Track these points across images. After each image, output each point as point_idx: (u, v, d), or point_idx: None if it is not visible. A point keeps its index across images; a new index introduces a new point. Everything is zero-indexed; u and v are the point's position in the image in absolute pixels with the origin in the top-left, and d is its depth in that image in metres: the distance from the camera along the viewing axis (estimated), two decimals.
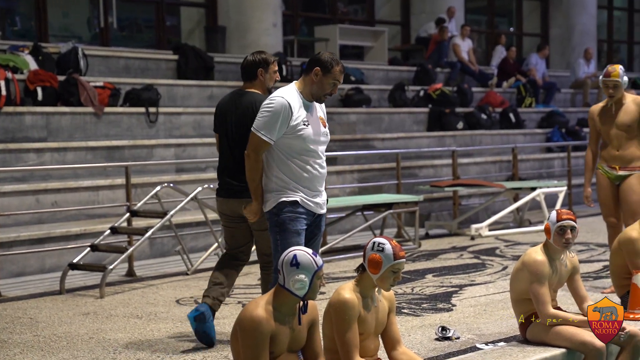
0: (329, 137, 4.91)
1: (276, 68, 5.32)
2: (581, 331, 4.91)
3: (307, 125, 4.72)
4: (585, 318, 5.00)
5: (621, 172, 6.74)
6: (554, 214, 5.04)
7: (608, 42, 22.49)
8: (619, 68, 6.70)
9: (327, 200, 4.98)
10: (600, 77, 6.73)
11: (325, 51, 4.95)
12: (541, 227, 9.68)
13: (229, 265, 5.48)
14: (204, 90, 12.24)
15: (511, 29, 20.68)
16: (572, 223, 4.98)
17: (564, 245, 4.98)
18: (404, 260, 4.16)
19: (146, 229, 7.75)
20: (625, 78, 6.71)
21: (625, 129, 6.71)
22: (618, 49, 23.21)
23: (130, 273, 7.97)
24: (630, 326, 5.09)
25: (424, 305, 6.44)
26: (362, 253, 4.21)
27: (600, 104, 6.92)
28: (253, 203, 4.85)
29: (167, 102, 11.63)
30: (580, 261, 5.78)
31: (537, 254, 4.99)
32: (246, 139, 4.91)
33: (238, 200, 5.12)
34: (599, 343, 4.84)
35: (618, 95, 6.71)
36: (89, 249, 7.56)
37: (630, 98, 6.78)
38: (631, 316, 5.61)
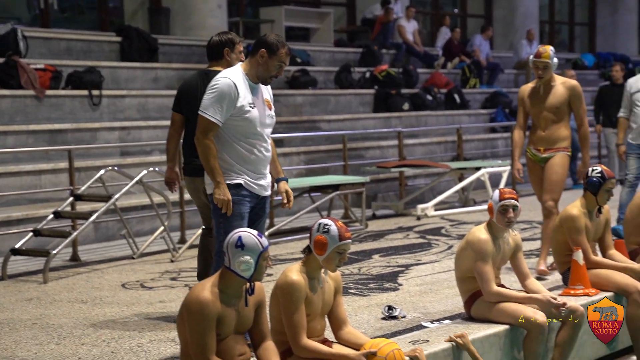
0: (274, 119, 4.89)
1: (242, 48, 5.37)
2: (524, 307, 5.00)
3: (253, 108, 4.70)
4: (528, 294, 5.09)
5: (546, 154, 6.66)
6: (496, 193, 5.11)
7: (550, 23, 22.81)
8: (550, 49, 6.57)
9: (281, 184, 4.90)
10: (531, 57, 6.62)
11: (271, 33, 4.92)
12: (485, 207, 9.81)
13: (209, 241, 5.39)
14: (148, 72, 12.09)
15: (455, 11, 20.83)
16: (514, 202, 5.06)
17: (506, 224, 5.05)
18: (350, 241, 4.18)
19: (90, 213, 7.65)
20: (555, 60, 6.58)
21: (553, 111, 6.62)
22: (560, 30, 23.57)
23: (75, 258, 7.87)
24: (570, 302, 5.20)
25: (371, 285, 6.49)
26: (308, 235, 4.21)
27: (530, 85, 6.82)
28: (217, 187, 4.62)
29: (110, 84, 11.46)
30: (523, 239, 5.88)
31: (480, 233, 5.06)
32: None
33: (203, 178, 5.04)
34: (541, 319, 4.93)
35: (547, 76, 6.59)
36: (31, 234, 7.44)
37: (560, 80, 6.69)
38: (572, 292, 5.73)
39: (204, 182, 4.94)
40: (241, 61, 5.25)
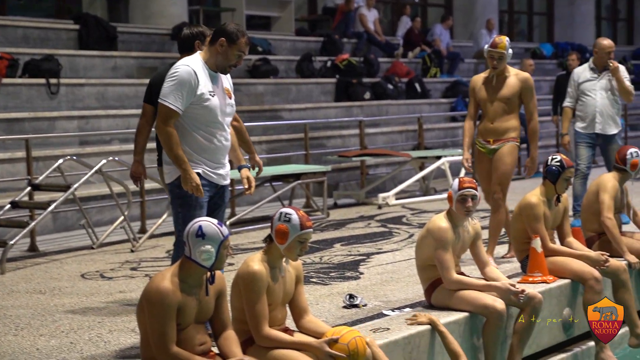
0: (234, 108, 4.87)
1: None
2: (483, 295, 5.05)
3: (212, 96, 4.67)
4: (487, 282, 5.15)
5: (495, 146, 6.55)
6: (456, 182, 5.15)
7: (509, 13, 22.99)
8: (506, 40, 6.50)
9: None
10: (486, 47, 6.55)
11: (231, 22, 4.89)
12: (446, 195, 9.88)
13: None
14: (107, 60, 11.96)
15: (416, 0, 20.90)
16: (473, 192, 5.10)
17: (465, 212, 5.10)
18: (311, 230, 4.18)
19: (49, 203, 7.56)
20: (510, 51, 6.51)
21: (504, 102, 6.52)
22: (519, 20, 23.77)
23: (33, 248, 7.78)
24: (529, 289, 5.26)
25: (332, 274, 6.51)
26: (270, 224, 4.21)
27: (482, 75, 6.72)
28: (181, 172, 4.57)
29: (68, 73, 11.31)
30: (483, 227, 5.93)
31: (440, 221, 5.10)
32: None
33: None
34: (500, 306, 4.99)
35: (501, 67, 6.52)
36: None
37: (513, 72, 6.57)
38: (530, 279, 5.80)
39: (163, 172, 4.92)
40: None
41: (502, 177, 6.56)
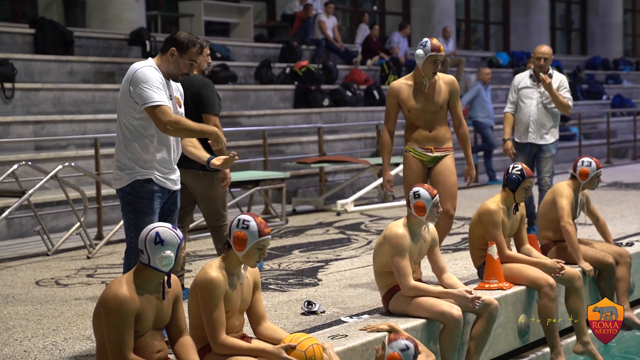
0: (183, 116, 4.83)
1: (208, 52, 5.86)
2: (440, 302, 5.08)
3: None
4: (444, 289, 5.18)
5: (437, 154, 6.18)
6: (425, 191, 5.17)
7: (466, 22, 23.26)
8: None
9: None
10: (423, 52, 6.01)
11: (184, 31, 4.89)
12: (404, 202, 9.93)
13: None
14: (63, 65, 11.83)
15: (374, 8, 21.03)
16: (438, 198, 5.22)
17: (434, 219, 5.23)
18: (269, 236, 4.18)
19: (3, 209, 7.44)
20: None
21: (437, 109, 6.14)
22: (475, 29, 24.06)
23: None
24: (485, 295, 5.32)
25: (291, 280, 6.51)
26: (228, 231, 4.20)
27: (403, 81, 6.24)
28: (209, 135, 4.67)
29: (24, 77, 11.16)
30: None
31: (398, 228, 5.13)
32: (190, 116, 5.27)
33: (183, 169, 5.32)
34: (456, 313, 5.03)
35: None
36: None
37: (440, 76, 6.20)
38: (486, 286, 5.85)
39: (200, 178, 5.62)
40: (208, 64, 5.82)
41: (453, 190, 6.18)
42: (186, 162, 5.42)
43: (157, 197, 4.65)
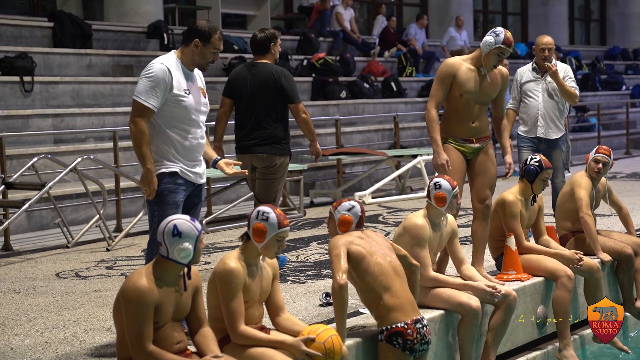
0: (209, 107, 4.88)
1: (280, 41, 6.28)
2: (458, 293, 5.08)
3: (188, 94, 4.68)
4: (463, 281, 5.18)
5: (478, 144, 5.82)
6: (446, 183, 5.15)
7: (484, 13, 23.14)
8: None
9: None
10: (496, 43, 5.59)
11: (201, 19, 4.91)
12: (422, 194, 9.91)
13: None
14: (82, 58, 11.89)
15: None
16: (458, 189, 5.23)
17: (456, 209, 5.24)
18: (288, 228, 4.19)
19: (23, 202, 7.50)
20: None
21: (488, 100, 5.83)
22: (493, 20, 23.92)
23: (7, 247, 7.72)
24: (504, 287, 5.31)
25: (309, 272, 6.53)
26: (247, 222, 4.22)
27: (462, 61, 5.74)
28: (143, 171, 4.62)
29: (43, 71, 11.23)
30: (459, 225, 5.96)
31: (417, 219, 5.12)
32: (266, 104, 6.12)
33: (249, 155, 6.21)
34: (475, 304, 5.03)
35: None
36: None
37: (498, 68, 5.82)
38: (505, 277, 5.84)
39: (251, 159, 6.12)
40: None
41: (493, 180, 5.88)
42: (252, 148, 6.20)
43: (181, 190, 4.68)
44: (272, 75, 6.18)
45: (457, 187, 5.20)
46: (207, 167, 5.02)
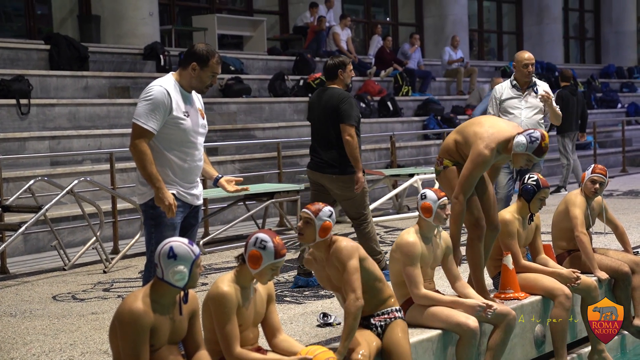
0: (207, 128, 4.90)
1: (351, 67, 6.69)
2: (456, 313, 5.06)
3: (187, 117, 4.70)
4: (455, 299, 5.15)
5: None
6: (431, 193, 5.12)
7: (479, 32, 23.26)
8: None
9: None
10: (531, 152, 5.38)
11: (200, 42, 4.93)
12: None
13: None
14: (78, 81, 11.92)
15: (387, 19, 21.07)
16: (447, 200, 5.15)
17: (443, 221, 5.11)
18: (284, 257, 4.17)
19: (20, 224, 7.49)
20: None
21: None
22: (489, 39, 24.05)
23: (3, 270, 7.70)
24: (501, 305, 5.30)
25: (306, 292, 6.51)
26: (244, 244, 4.20)
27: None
28: (157, 192, 4.60)
29: (39, 93, 11.26)
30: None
31: (409, 236, 5.07)
32: (329, 125, 6.49)
33: (320, 173, 6.61)
34: (473, 324, 5.00)
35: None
36: None
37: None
38: (502, 296, 5.83)
39: (322, 177, 6.51)
40: (352, 77, 6.66)
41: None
42: (321, 167, 6.56)
43: (179, 212, 4.69)
44: (335, 98, 6.53)
45: (445, 197, 5.13)
46: (207, 186, 5.03)
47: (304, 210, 4.64)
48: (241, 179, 5.23)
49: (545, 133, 5.43)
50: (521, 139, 5.36)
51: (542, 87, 7.60)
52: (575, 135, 12.96)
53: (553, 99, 7.58)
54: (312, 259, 4.73)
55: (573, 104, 12.79)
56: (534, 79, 7.58)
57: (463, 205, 5.42)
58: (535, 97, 7.52)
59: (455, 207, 5.42)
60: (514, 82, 7.57)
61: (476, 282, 5.61)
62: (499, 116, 7.50)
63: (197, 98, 4.85)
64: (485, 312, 5.06)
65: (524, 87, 7.53)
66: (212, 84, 4.79)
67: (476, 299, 5.17)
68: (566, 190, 8.99)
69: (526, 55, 7.50)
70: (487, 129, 5.43)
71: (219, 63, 4.77)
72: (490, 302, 5.15)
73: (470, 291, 5.26)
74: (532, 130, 5.39)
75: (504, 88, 7.63)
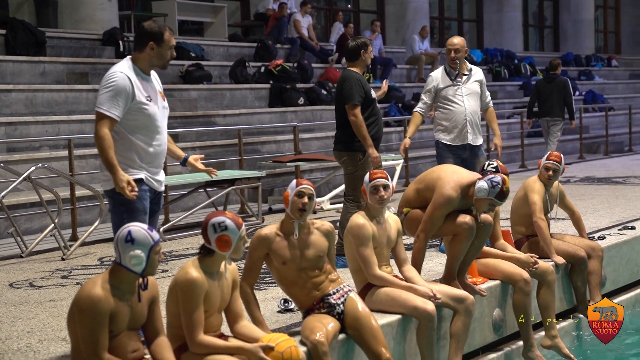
0: (168, 110, 4.88)
1: (371, 48, 6.87)
2: (413, 297, 5.06)
3: (149, 101, 4.67)
4: (410, 284, 5.13)
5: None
6: (366, 175, 5.16)
7: (440, 20, 23.36)
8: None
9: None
10: (492, 197, 5.44)
11: (146, 22, 4.89)
12: None
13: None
14: (35, 66, 11.74)
15: (348, 6, 21.06)
16: (384, 181, 5.07)
17: (379, 202, 5.07)
18: (244, 225, 4.20)
19: None
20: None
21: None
22: (449, 26, 24.17)
23: None
24: (459, 290, 5.35)
25: (267, 278, 6.51)
26: (202, 235, 4.15)
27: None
28: (115, 176, 4.55)
29: None
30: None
31: (358, 219, 5.06)
32: (337, 106, 6.81)
33: (333, 151, 7.05)
34: (430, 308, 5.03)
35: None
36: None
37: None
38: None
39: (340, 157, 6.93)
40: (371, 59, 6.87)
41: None
42: (334, 145, 6.95)
43: (147, 197, 4.68)
44: (341, 79, 6.88)
45: (377, 179, 5.07)
46: (167, 172, 5.00)
47: (305, 186, 4.66)
48: (203, 155, 5.22)
49: (505, 177, 5.54)
50: (482, 184, 5.46)
51: (477, 74, 7.55)
52: (555, 123, 13.19)
53: (485, 83, 7.65)
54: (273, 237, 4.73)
55: (548, 92, 13.05)
56: (470, 66, 7.52)
57: (423, 242, 5.61)
58: (471, 82, 7.46)
59: (416, 244, 5.67)
60: (448, 69, 7.44)
61: (448, 270, 5.65)
62: (431, 105, 7.49)
63: (155, 80, 4.82)
64: (433, 300, 5.07)
65: (456, 72, 7.39)
66: (172, 57, 4.77)
67: (422, 285, 5.16)
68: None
69: (455, 40, 7.41)
70: (450, 174, 5.65)
71: (172, 34, 4.77)
72: (436, 293, 5.13)
73: (415, 275, 5.24)
74: (493, 176, 5.50)
75: (438, 76, 7.46)
